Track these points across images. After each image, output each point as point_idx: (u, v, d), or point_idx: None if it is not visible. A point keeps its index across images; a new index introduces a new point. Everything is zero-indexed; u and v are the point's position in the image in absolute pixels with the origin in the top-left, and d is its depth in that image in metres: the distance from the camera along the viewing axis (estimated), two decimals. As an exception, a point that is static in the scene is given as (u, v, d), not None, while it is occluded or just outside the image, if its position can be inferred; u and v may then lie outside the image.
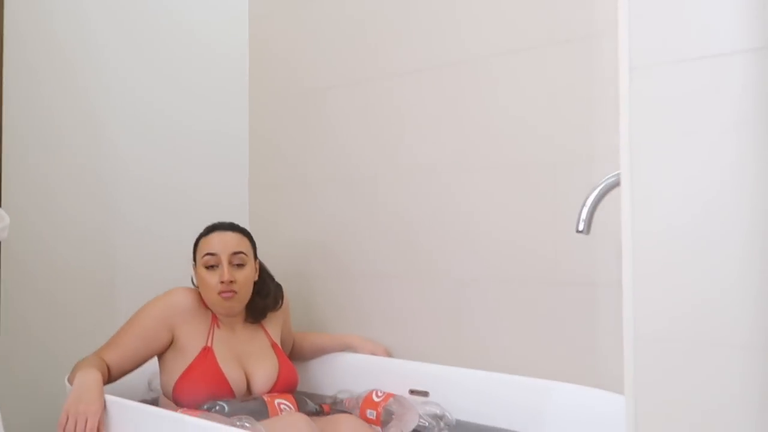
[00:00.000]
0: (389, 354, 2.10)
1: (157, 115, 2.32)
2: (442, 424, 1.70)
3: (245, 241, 1.86)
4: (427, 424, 1.67)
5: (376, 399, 1.80)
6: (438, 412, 1.72)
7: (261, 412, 1.67)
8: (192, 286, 1.88)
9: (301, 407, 1.77)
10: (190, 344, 1.76)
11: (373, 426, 1.75)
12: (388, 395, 1.80)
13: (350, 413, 1.78)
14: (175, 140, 2.35)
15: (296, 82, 2.41)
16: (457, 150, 1.99)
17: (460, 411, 1.79)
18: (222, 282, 1.77)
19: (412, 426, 1.67)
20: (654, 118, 0.88)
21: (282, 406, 1.72)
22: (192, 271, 1.87)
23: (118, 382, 1.74)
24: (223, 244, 1.81)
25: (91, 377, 1.59)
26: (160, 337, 1.75)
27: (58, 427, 1.52)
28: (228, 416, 1.59)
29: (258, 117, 2.53)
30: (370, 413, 1.78)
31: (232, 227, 1.87)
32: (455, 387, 1.83)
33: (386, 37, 2.16)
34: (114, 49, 2.22)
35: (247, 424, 1.51)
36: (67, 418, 1.52)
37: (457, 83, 1.99)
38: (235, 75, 2.54)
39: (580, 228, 1.34)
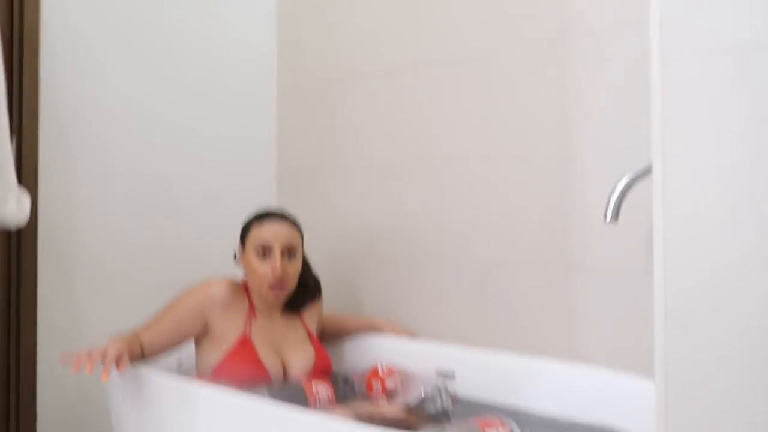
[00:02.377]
0: (414, 337, 2.14)
1: (187, 110, 2.36)
2: (444, 396, 1.72)
3: (297, 233, 1.88)
4: (430, 395, 1.70)
5: (380, 372, 1.85)
6: (440, 383, 1.75)
7: (300, 398, 1.71)
8: (234, 263, 1.91)
9: (337, 390, 1.81)
10: (228, 333, 1.79)
11: (378, 396, 1.80)
12: (392, 369, 1.85)
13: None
14: (203, 132, 2.40)
15: (323, 73, 2.44)
16: (484, 139, 2.00)
17: (486, 392, 1.82)
18: (274, 273, 1.80)
19: (417, 397, 1.70)
20: (685, 107, 0.90)
21: (319, 392, 1.76)
22: (237, 252, 1.90)
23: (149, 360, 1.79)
24: (278, 234, 1.83)
25: (119, 340, 1.65)
26: (194, 327, 1.80)
27: (77, 355, 1.55)
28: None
29: (285, 107, 2.55)
30: (376, 385, 1.83)
31: (285, 217, 1.89)
32: (481, 368, 1.86)
33: (412, 28, 2.17)
34: (146, 56, 2.27)
35: None
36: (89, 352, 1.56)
37: (484, 74, 2.00)
38: (263, 66, 2.57)
39: (609, 216, 1.35)
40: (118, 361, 1.55)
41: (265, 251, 1.82)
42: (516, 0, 1.93)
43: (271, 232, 1.83)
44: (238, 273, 1.92)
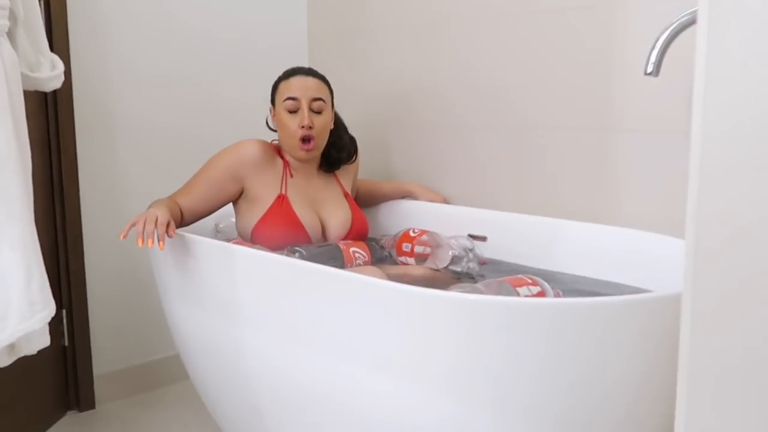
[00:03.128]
0: (447, 202, 2.15)
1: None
2: (471, 254, 1.75)
3: (325, 87, 1.87)
4: (457, 252, 1.74)
5: (412, 234, 1.88)
6: (468, 244, 1.77)
7: (337, 258, 1.76)
8: (268, 128, 1.92)
9: (373, 254, 1.86)
10: (265, 193, 1.82)
11: (408, 260, 1.84)
12: (423, 231, 1.87)
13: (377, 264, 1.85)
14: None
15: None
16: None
17: (517, 256, 1.85)
18: (302, 127, 1.80)
19: (446, 261, 1.74)
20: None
21: (356, 255, 1.81)
22: (269, 114, 1.90)
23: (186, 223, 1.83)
24: (304, 88, 1.83)
25: (162, 206, 1.69)
26: (229, 188, 1.82)
27: (127, 225, 1.60)
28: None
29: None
30: (406, 246, 1.87)
31: (313, 72, 1.88)
32: (513, 233, 1.88)
33: None
34: None
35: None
36: (136, 221, 1.60)
37: None
38: None
39: (649, 70, 1.30)
40: (168, 229, 1.59)
41: (293, 107, 1.81)
42: None
43: (298, 86, 1.83)
44: (272, 136, 1.93)
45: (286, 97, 1.82)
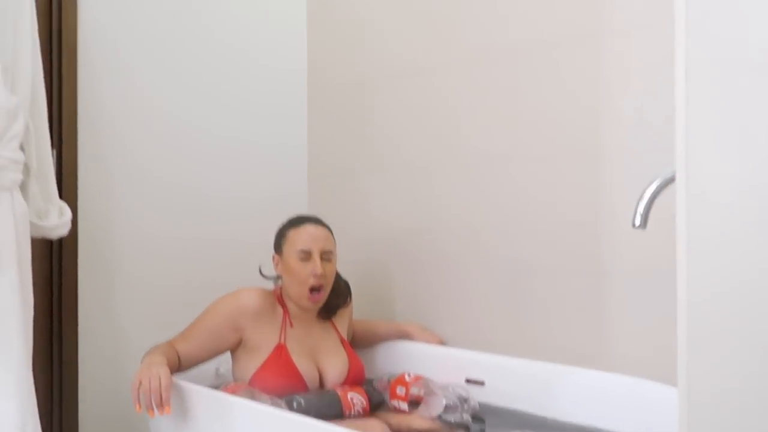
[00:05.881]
0: (443, 343, 2.15)
1: (219, 117, 2.41)
2: (465, 405, 1.74)
3: (332, 238, 1.93)
4: (451, 402, 1.72)
5: (407, 379, 1.87)
6: (463, 394, 1.77)
7: (335, 406, 1.76)
8: (262, 275, 1.95)
9: (371, 398, 1.85)
10: (263, 343, 1.83)
11: (400, 403, 1.83)
12: (418, 377, 1.87)
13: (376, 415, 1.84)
14: (236, 138, 2.44)
15: (352, 75, 2.46)
16: (513, 139, 2.01)
17: (515, 400, 1.83)
18: (315, 275, 1.83)
19: (439, 410, 1.73)
20: (710, 114, 0.90)
21: (354, 401, 1.81)
22: (273, 260, 1.93)
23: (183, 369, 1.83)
24: (316, 239, 1.88)
25: (160, 357, 1.69)
26: (228, 337, 1.83)
27: (132, 390, 1.60)
28: (306, 412, 1.66)
29: (316, 110, 2.59)
30: (400, 390, 1.86)
31: (321, 222, 1.94)
32: (511, 377, 1.87)
33: (439, 27, 2.19)
34: (180, 65, 2.33)
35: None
36: (140, 382, 1.60)
37: (512, 73, 2.01)
38: (294, 71, 2.60)
39: (637, 223, 1.34)
40: (164, 393, 1.60)
41: (304, 255, 1.86)
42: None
43: (310, 236, 1.88)
44: (269, 283, 1.97)
45: (299, 248, 1.86)
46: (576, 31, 1.87)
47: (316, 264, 1.84)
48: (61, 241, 2.03)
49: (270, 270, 1.96)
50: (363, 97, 2.43)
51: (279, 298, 1.92)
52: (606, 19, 1.81)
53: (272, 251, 1.96)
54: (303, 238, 1.88)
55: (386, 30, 2.35)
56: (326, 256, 1.88)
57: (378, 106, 2.38)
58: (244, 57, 2.46)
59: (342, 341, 1.98)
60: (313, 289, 1.85)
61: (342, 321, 2.03)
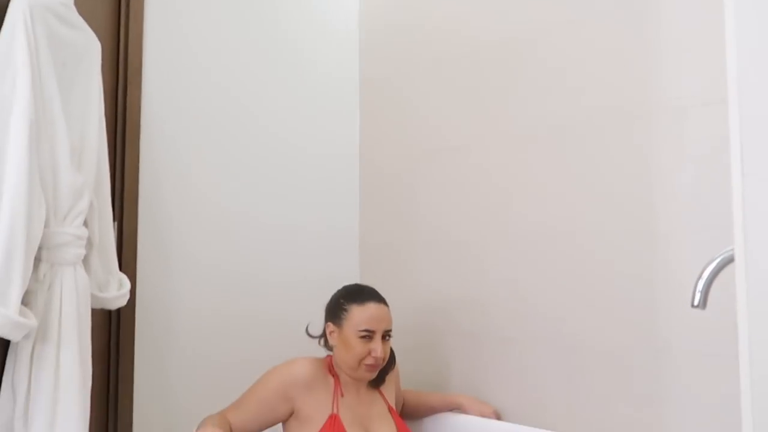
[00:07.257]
0: (498, 415, 2.10)
1: (274, 202, 2.47)
2: None
3: (391, 316, 1.93)
4: None
5: None
6: None
7: None
8: (308, 335, 1.96)
9: None
10: (316, 413, 1.82)
11: None
12: None
13: None
14: (292, 222, 2.50)
15: (401, 153, 2.51)
16: (563, 214, 2.00)
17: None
18: (375, 357, 1.84)
19: None
20: (766, 193, 0.89)
21: None
22: (328, 330, 1.93)
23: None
24: (380, 320, 1.88)
25: (215, 426, 1.71)
26: (280, 408, 1.83)
27: None
28: None
29: (367, 189, 2.64)
30: None
31: (383, 300, 1.94)
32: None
33: (487, 107, 2.22)
34: (235, 154, 2.41)
35: None
36: None
37: (561, 150, 2.01)
38: (347, 149, 2.66)
39: (696, 302, 1.31)
40: None
41: (367, 334, 1.85)
42: (596, 73, 1.94)
43: (374, 317, 1.87)
44: (319, 351, 1.97)
45: (363, 327, 1.85)
46: (626, 108, 1.87)
47: (378, 345, 1.85)
48: (119, 311, 2.08)
49: (316, 329, 1.97)
50: (412, 174, 2.46)
51: (330, 367, 1.92)
52: (658, 95, 1.81)
53: (324, 317, 1.96)
54: (367, 317, 1.87)
55: (433, 110, 2.40)
56: (387, 335, 1.89)
57: (426, 182, 2.41)
58: (298, 149, 2.54)
59: (390, 410, 1.96)
60: (370, 367, 1.86)
61: (389, 389, 2.01)
